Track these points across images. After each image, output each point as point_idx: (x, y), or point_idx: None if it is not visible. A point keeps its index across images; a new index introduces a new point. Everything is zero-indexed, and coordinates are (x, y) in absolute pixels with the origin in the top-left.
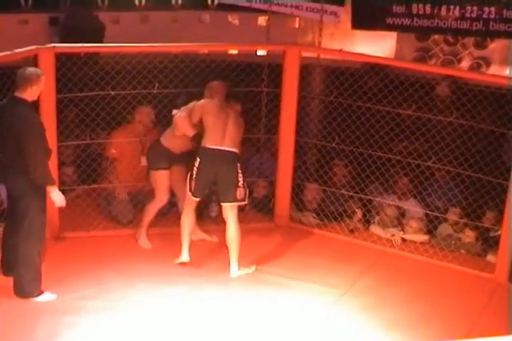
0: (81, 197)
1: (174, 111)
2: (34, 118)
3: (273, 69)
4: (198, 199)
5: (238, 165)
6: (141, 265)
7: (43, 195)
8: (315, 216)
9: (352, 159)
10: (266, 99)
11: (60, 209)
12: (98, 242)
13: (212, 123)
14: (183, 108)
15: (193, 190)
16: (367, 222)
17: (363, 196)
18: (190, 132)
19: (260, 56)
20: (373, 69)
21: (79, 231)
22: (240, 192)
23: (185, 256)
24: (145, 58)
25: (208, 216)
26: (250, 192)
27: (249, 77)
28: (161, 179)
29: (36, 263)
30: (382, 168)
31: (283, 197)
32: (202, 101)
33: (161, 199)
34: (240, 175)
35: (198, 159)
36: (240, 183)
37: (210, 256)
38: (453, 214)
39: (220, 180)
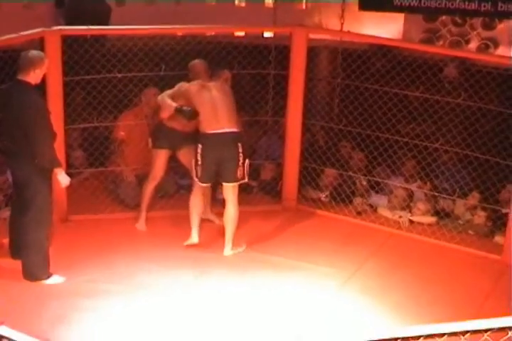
0: (89, 180)
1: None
2: (38, 101)
3: (280, 51)
4: (207, 184)
5: (239, 145)
6: (148, 248)
7: (49, 179)
8: (327, 195)
9: (359, 141)
10: (273, 81)
11: (68, 192)
12: (106, 225)
13: (201, 107)
14: (167, 91)
15: (199, 176)
16: (371, 189)
17: (370, 177)
18: (172, 105)
19: (267, 38)
20: (381, 50)
21: (86, 214)
22: (240, 171)
23: (194, 238)
24: (151, 40)
25: (214, 198)
26: (258, 175)
27: (256, 59)
28: (158, 157)
29: (44, 246)
30: (389, 149)
31: (290, 179)
32: (182, 85)
33: (153, 176)
34: (241, 154)
35: (200, 145)
36: (240, 162)
37: (217, 237)
38: (472, 198)
39: (223, 162)
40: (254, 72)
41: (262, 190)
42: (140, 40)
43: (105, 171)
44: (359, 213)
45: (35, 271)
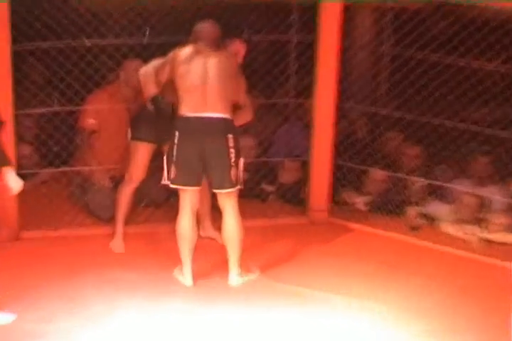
0: (47, 183)
1: None
2: None
3: (305, 10)
4: (191, 188)
5: (230, 136)
6: (126, 274)
7: None
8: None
9: (413, 131)
10: (296, 50)
11: (19, 201)
12: (70, 244)
13: (186, 79)
14: (154, 60)
15: (172, 176)
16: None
17: (427, 180)
18: (150, 90)
19: None
20: (441, 8)
21: (44, 229)
22: (233, 173)
23: (188, 280)
24: None
25: (215, 207)
26: (275, 177)
27: (273, 21)
28: (139, 152)
29: None
30: (454, 142)
31: (320, 183)
32: (175, 50)
33: (132, 177)
34: (232, 149)
35: (176, 134)
36: (232, 161)
37: (219, 259)
38: None
39: (209, 159)
40: (270, 37)
41: (281, 197)
42: None
43: (69, 172)
44: (413, 228)
45: None
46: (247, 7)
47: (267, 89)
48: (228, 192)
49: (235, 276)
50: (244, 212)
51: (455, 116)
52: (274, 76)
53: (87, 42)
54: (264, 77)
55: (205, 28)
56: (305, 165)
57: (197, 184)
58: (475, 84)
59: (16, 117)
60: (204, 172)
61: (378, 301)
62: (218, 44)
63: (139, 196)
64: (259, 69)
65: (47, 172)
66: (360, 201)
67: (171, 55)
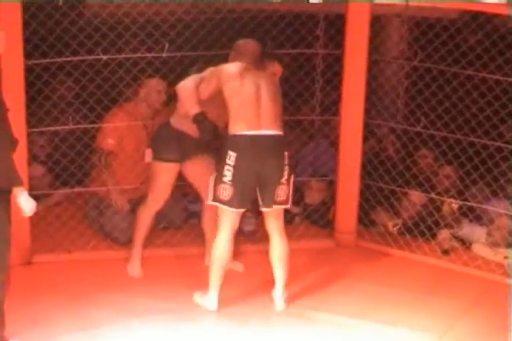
0: (61, 205)
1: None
2: None
3: (332, 23)
4: (240, 210)
5: (286, 153)
6: (144, 300)
7: (5, 204)
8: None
9: (445, 149)
10: (322, 64)
11: (32, 223)
12: (84, 268)
13: (239, 97)
14: (193, 76)
15: (228, 199)
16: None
17: (461, 202)
18: (194, 109)
19: (314, 4)
20: (476, 19)
21: (58, 253)
22: (285, 191)
23: (213, 303)
24: (150, 8)
25: (240, 231)
26: (301, 197)
27: (298, 34)
28: (164, 174)
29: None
30: (489, 161)
31: (348, 203)
32: (221, 65)
33: (155, 200)
34: (286, 167)
35: (232, 153)
36: (285, 178)
37: (235, 286)
38: None
39: (264, 178)
40: (295, 51)
41: (307, 219)
42: (134, 8)
43: (84, 193)
44: (446, 252)
45: None
46: (271, 19)
47: (291, 106)
48: (278, 212)
49: (282, 300)
50: (267, 235)
51: (489, 134)
52: (298, 92)
53: (103, 57)
54: (289, 92)
55: (250, 44)
56: (332, 185)
57: (246, 206)
58: (510, 100)
59: (28, 135)
60: (257, 192)
61: (410, 328)
62: (260, 62)
63: (158, 217)
64: (283, 84)
65: (60, 192)
66: (391, 223)
67: (214, 71)
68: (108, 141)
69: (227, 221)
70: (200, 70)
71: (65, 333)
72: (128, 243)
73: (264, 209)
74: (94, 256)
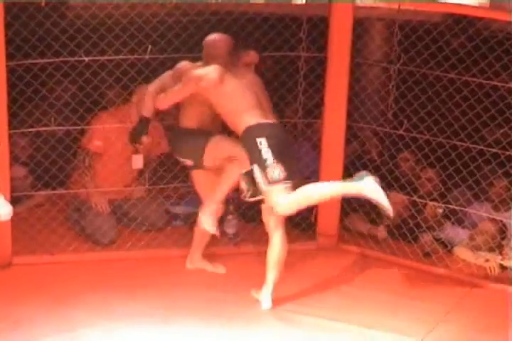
0: (42, 207)
1: None
2: None
3: (315, 25)
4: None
5: None
6: (126, 302)
7: None
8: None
9: (427, 152)
10: (305, 67)
11: (12, 225)
12: (66, 270)
13: (235, 97)
14: (162, 76)
15: (282, 175)
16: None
17: (444, 205)
18: (147, 113)
19: (297, 6)
20: (459, 23)
21: (39, 255)
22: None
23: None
24: (132, 9)
25: (223, 233)
26: None
27: (281, 37)
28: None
29: None
30: (471, 164)
31: (330, 206)
32: (198, 71)
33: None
34: None
35: (260, 139)
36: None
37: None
38: None
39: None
40: (278, 54)
41: (288, 221)
42: (116, 9)
43: (66, 195)
44: (427, 255)
45: None
46: (253, 21)
47: (274, 108)
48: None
49: (269, 300)
50: (249, 237)
51: (471, 137)
52: (281, 94)
53: (85, 59)
54: (271, 95)
55: (219, 40)
56: None
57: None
58: (493, 104)
59: (10, 137)
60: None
61: (390, 331)
62: (235, 55)
63: (140, 221)
64: (266, 87)
65: (41, 194)
66: (379, 230)
67: (190, 78)
68: (95, 143)
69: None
70: None
71: (47, 335)
72: (109, 245)
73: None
74: (75, 257)
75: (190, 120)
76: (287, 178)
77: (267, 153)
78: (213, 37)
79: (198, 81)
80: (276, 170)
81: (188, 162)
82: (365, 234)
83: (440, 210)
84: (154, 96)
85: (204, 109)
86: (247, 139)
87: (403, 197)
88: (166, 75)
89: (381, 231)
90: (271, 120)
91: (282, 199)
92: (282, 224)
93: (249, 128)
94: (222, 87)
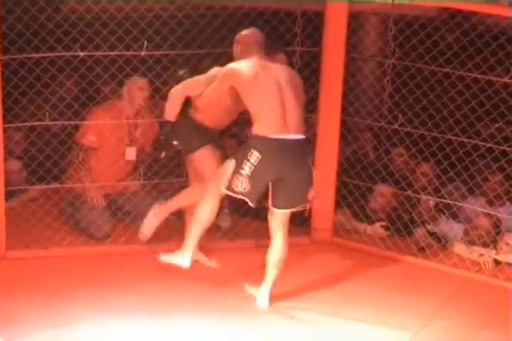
0: (37, 201)
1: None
2: None
3: (309, 20)
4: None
5: (310, 156)
6: (120, 297)
7: None
8: (385, 224)
9: (422, 147)
10: (300, 62)
11: (6, 219)
12: (61, 264)
13: (261, 99)
14: (190, 80)
15: (245, 191)
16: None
17: (438, 199)
18: (170, 117)
19: (291, 1)
20: (454, 18)
21: (33, 248)
22: (311, 191)
23: (187, 260)
24: (127, 4)
25: (216, 228)
26: None
27: (276, 32)
28: (207, 157)
29: None
30: (465, 159)
31: (324, 200)
32: (230, 66)
33: (216, 189)
34: (311, 169)
35: (256, 154)
36: (312, 180)
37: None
38: None
39: (289, 182)
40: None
41: None
42: (111, 4)
43: (60, 189)
44: (422, 249)
45: None
46: (249, 17)
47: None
48: (288, 214)
49: (267, 299)
50: (244, 232)
51: (466, 132)
52: None
53: (81, 54)
54: None
55: (255, 33)
56: None
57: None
58: (488, 99)
59: (4, 131)
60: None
61: (384, 325)
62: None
63: (135, 215)
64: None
65: (36, 188)
66: (379, 230)
67: (226, 74)
68: (89, 138)
69: (218, 191)
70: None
71: (41, 329)
72: (103, 239)
73: (278, 210)
74: (69, 252)
75: (207, 118)
76: (246, 195)
77: (249, 166)
78: (249, 31)
79: (233, 76)
80: (241, 183)
81: (178, 146)
82: (360, 232)
83: (432, 203)
84: (182, 99)
85: (226, 111)
86: (245, 145)
87: (390, 189)
88: (194, 80)
89: (378, 229)
90: (292, 134)
91: (209, 193)
92: (286, 225)
93: (258, 138)
94: (256, 84)
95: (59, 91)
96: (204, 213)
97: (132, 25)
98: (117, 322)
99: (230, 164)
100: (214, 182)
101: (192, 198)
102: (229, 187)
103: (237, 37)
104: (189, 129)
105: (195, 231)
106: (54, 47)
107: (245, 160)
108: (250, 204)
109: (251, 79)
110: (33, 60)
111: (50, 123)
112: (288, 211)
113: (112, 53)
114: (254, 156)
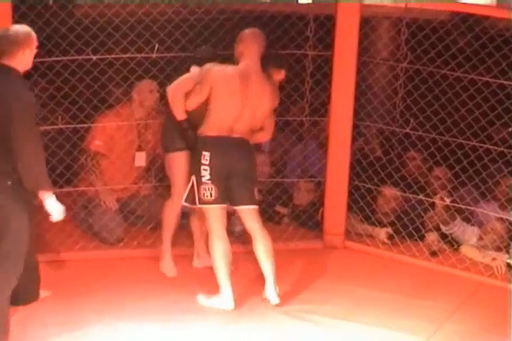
0: None
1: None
2: (29, 96)
3: (322, 24)
4: (224, 205)
5: (255, 154)
6: (132, 301)
7: (29, 208)
8: (390, 231)
9: (434, 151)
10: (312, 65)
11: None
12: (74, 268)
13: (222, 101)
14: (182, 77)
15: (212, 197)
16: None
17: (451, 204)
18: (180, 115)
19: (303, 5)
20: (465, 22)
21: (46, 253)
22: (256, 192)
23: (229, 302)
24: (140, 8)
25: (229, 232)
26: (290, 198)
27: (287, 35)
28: (183, 163)
29: (4, 312)
30: (477, 163)
31: (336, 205)
32: (215, 70)
33: (180, 193)
34: (256, 168)
35: (206, 153)
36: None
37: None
38: None
39: (236, 178)
40: (285, 52)
41: (295, 220)
42: (124, 8)
43: (73, 193)
44: (434, 253)
45: None
46: (260, 19)
47: (280, 107)
48: (255, 209)
49: (276, 294)
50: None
51: (478, 136)
52: (287, 93)
53: (93, 57)
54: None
55: (257, 33)
56: (320, 186)
57: (226, 202)
58: (499, 103)
59: None
60: (230, 191)
61: (397, 330)
62: (266, 68)
63: (146, 218)
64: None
65: None
66: (384, 234)
67: (207, 75)
68: (95, 142)
69: (216, 219)
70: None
71: (54, 334)
72: (116, 243)
73: (245, 207)
74: (82, 256)
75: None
76: (216, 202)
77: (205, 170)
78: (251, 31)
79: (211, 75)
80: (208, 191)
81: None
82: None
83: (447, 200)
84: (182, 98)
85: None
86: (195, 153)
87: (397, 192)
88: (187, 77)
89: (382, 235)
90: (235, 135)
91: (212, 231)
92: (258, 220)
93: (203, 138)
94: (225, 87)
95: (71, 94)
96: (216, 249)
97: (144, 28)
98: (129, 326)
99: (191, 182)
100: (209, 227)
101: (174, 213)
102: (200, 200)
103: (240, 36)
104: (175, 129)
105: (220, 267)
106: (67, 51)
107: (201, 166)
108: (216, 206)
109: (224, 84)
110: (46, 63)
111: (62, 126)
112: (252, 207)
113: (124, 56)
114: (206, 156)
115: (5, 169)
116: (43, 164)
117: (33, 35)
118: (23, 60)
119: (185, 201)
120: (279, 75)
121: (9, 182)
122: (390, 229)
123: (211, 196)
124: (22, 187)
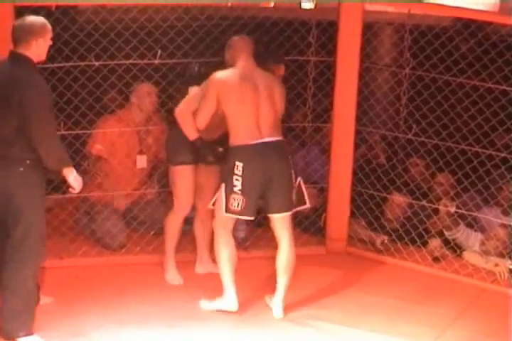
0: (52, 211)
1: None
2: (44, 84)
3: (324, 30)
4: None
5: (290, 157)
6: (135, 307)
7: (41, 193)
8: (385, 241)
9: (437, 157)
10: (314, 71)
11: None
12: (76, 274)
13: (237, 105)
14: (187, 98)
15: (241, 208)
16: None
17: (454, 210)
18: (192, 135)
19: (306, 10)
20: (468, 27)
21: (49, 258)
22: (294, 195)
23: (233, 304)
24: (142, 14)
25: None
26: None
27: (290, 41)
28: (186, 176)
29: (31, 293)
30: (480, 169)
31: (338, 210)
32: (216, 75)
33: (180, 206)
34: (292, 171)
35: (239, 163)
36: (293, 183)
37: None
38: None
39: (272, 185)
40: (287, 58)
41: (298, 226)
42: (126, 14)
43: (75, 199)
44: (437, 259)
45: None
46: (262, 25)
47: (283, 113)
48: (287, 217)
49: (281, 308)
50: (259, 242)
51: (480, 142)
52: (290, 98)
53: (95, 63)
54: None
55: (245, 39)
56: (323, 192)
57: (256, 214)
58: (502, 109)
59: None
60: (262, 199)
61: (400, 336)
62: (265, 64)
63: (149, 224)
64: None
65: (52, 198)
66: (379, 240)
67: (213, 82)
68: (96, 147)
69: (226, 224)
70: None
71: (55, 339)
72: (119, 249)
73: (276, 215)
74: (85, 262)
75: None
76: (241, 214)
77: (238, 180)
78: (239, 37)
79: (217, 82)
80: (236, 202)
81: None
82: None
83: (452, 209)
84: (192, 118)
85: (211, 127)
86: (228, 162)
87: (403, 199)
88: (191, 96)
89: (380, 240)
90: (267, 138)
91: (219, 233)
92: (289, 229)
93: (235, 148)
94: (234, 90)
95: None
96: (223, 252)
97: (147, 34)
98: (132, 332)
99: (222, 189)
100: (216, 220)
101: (176, 225)
102: (227, 209)
103: (229, 42)
104: (180, 141)
105: (225, 271)
106: (70, 57)
107: (233, 176)
108: (248, 218)
109: (231, 85)
110: (48, 70)
111: (64, 132)
112: (285, 214)
113: (127, 62)
114: (239, 167)
115: (18, 156)
116: (61, 145)
117: (48, 26)
118: (37, 50)
119: (213, 205)
120: (279, 70)
121: (21, 169)
122: (385, 239)
123: (238, 206)
124: (35, 173)
